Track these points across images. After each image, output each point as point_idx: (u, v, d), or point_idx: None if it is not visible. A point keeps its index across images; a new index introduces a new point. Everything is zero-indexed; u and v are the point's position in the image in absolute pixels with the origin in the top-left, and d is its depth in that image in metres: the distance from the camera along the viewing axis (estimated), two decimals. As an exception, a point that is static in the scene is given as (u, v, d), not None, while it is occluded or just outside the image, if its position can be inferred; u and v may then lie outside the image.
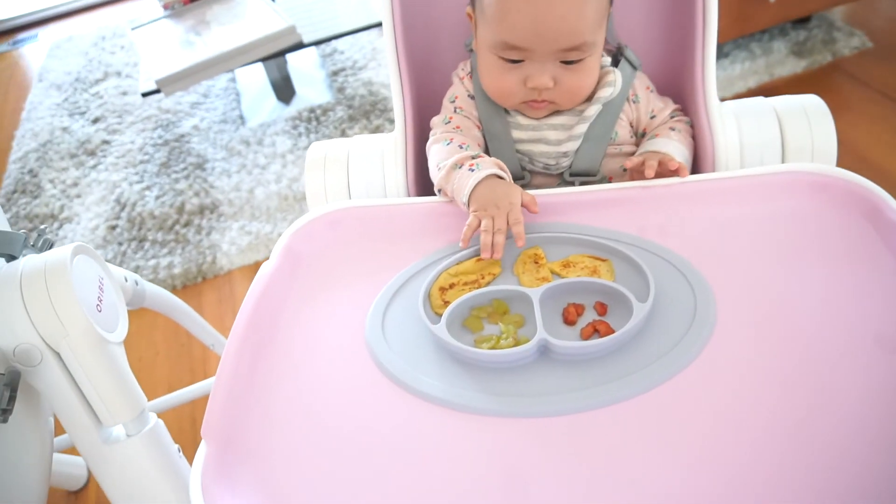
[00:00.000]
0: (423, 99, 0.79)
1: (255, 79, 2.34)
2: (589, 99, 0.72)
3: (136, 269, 1.66)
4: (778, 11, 1.69)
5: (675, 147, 0.70)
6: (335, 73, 2.20)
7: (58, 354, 0.62)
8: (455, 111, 0.76)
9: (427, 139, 0.75)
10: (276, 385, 0.54)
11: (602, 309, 0.55)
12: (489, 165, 0.66)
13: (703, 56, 0.71)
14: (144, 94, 1.75)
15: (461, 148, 0.70)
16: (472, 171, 0.65)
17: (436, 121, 0.77)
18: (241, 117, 2.19)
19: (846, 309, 0.52)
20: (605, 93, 0.71)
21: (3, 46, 2.96)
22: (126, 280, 0.81)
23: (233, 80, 2.39)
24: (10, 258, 0.65)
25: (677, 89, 0.76)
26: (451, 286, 0.59)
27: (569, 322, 0.55)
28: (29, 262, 0.63)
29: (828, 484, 0.41)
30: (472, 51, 0.77)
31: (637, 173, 0.68)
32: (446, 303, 0.57)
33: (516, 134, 0.74)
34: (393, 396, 0.51)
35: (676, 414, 0.47)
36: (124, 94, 2.44)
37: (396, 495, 0.45)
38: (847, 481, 0.41)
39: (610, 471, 0.44)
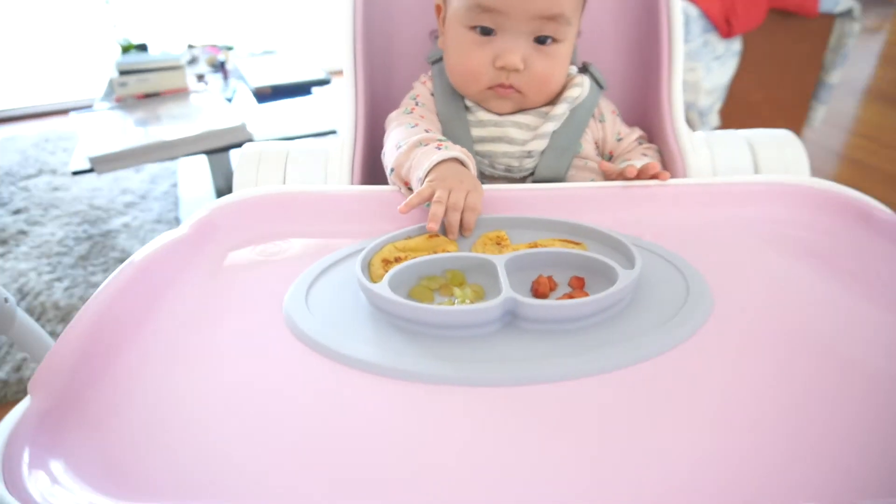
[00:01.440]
0: (375, 112, 0.73)
1: (198, 186, 2.28)
2: (554, 102, 0.68)
3: (24, 361, 1.45)
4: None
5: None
6: (283, 183, 2.17)
7: None
8: (417, 104, 0.71)
9: (377, 148, 0.68)
10: (157, 357, 0.40)
11: (579, 283, 0.45)
12: (457, 150, 0.59)
13: (670, 85, 0.69)
14: (75, 173, 1.65)
15: (427, 132, 0.63)
16: (440, 149, 0.58)
17: (394, 114, 0.70)
18: (177, 219, 2.10)
19: (847, 306, 0.44)
20: (574, 92, 0.67)
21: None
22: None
23: (174, 185, 2.32)
24: None
25: (645, 118, 0.74)
26: (397, 259, 0.48)
27: (540, 295, 0.44)
28: None
29: (817, 474, 0.31)
30: (433, 63, 0.73)
31: (616, 177, 0.62)
32: (389, 275, 0.46)
33: (477, 132, 0.68)
34: (312, 364, 0.38)
35: (665, 391, 0.36)
36: (55, 189, 2.32)
37: (321, 471, 0.31)
38: (837, 474, 0.31)
39: (585, 448, 0.32)
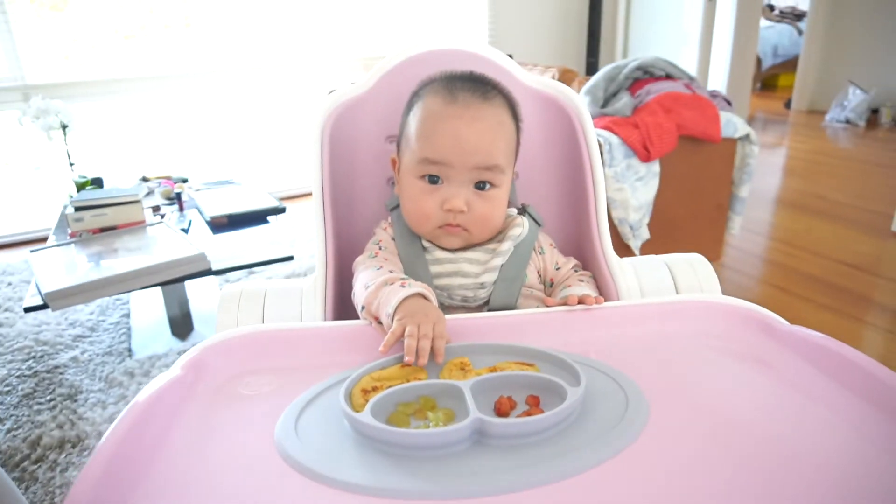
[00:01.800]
0: (341, 254, 0.82)
1: (150, 315, 2.28)
2: (500, 240, 0.78)
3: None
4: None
5: (589, 291, 0.75)
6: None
7: None
8: (380, 248, 0.80)
9: (346, 284, 0.76)
10: (161, 493, 0.44)
11: (534, 401, 0.52)
12: (419, 287, 0.67)
13: (598, 220, 0.81)
14: (27, 310, 1.64)
15: (391, 273, 0.72)
16: (403, 287, 0.66)
17: (360, 259, 0.79)
18: (129, 350, 2.08)
19: (761, 403, 0.53)
20: (516, 232, 0.78)
21: None
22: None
23: (126, 315, 2.31)
24: None
25: (580, 249, 0.85)
26: (374, 389, 0.54)
27: (502, 413, 0.51)
28: None
29: None
30: (392, 209, 0.83)
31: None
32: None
33: (434, 269, 0.77)
34: (306, 489, 0.43)
35: (614, 494, 0.42)
36: (-1, 326, 2.27)
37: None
38: None
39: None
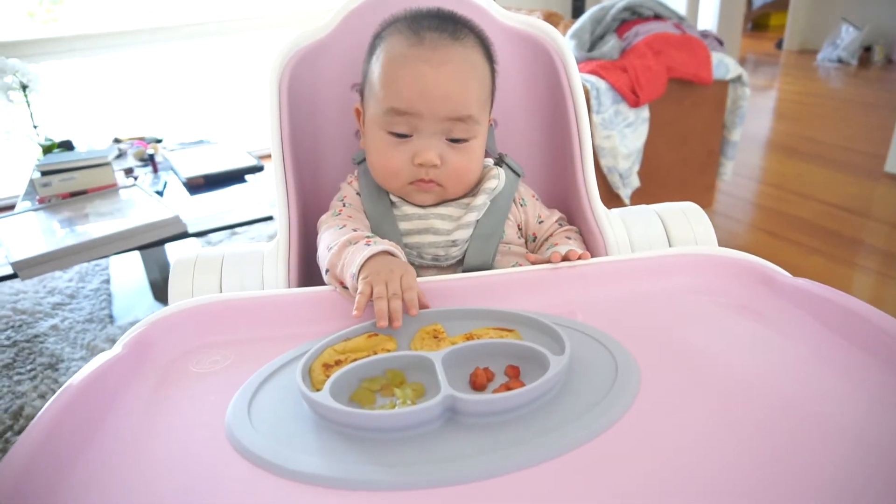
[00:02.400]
0: (306, 211, 0.75)
1: (131, 280, 2.22)
2: (475, 194, 0.72)
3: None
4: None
5: (576, 247, 0.70)
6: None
7: None
8: (345, 205, 0.74)
9: (312, 247, 0.70)
10: (91, 484, 0.39)
11: (514, 372, 0.47)
12: (385, 244, 0.62)
13: (583, 169, 0.74)
14: (-5, 280, 1.58)
15: (355, 231, 0.66)
16: (368, 245, 0.60)
17: (324, 217, 0.73)
18: (111, 316, 2.03)
19: (765, 366, 0.48)
20: (491, 184, 0.72)
21: None
22: None
23: (106, 281, 2.25)
24: None
25: (565, 201, 0.79)
26: (338, 363, 0.49)
27: (478, 387, 0.46)
28: None
29: None
30: (359, 163, 0.77)
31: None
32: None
33: (403, 225, 0.72)
34: (257, 481, 0.38)
35: (603, 475, 0.38)
36: (-26, 297, 2.21)
37: None
38: None
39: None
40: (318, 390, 0.45)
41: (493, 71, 0.72)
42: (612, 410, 0.42)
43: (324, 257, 0.64)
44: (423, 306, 0.56)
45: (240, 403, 0.45)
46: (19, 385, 1.69)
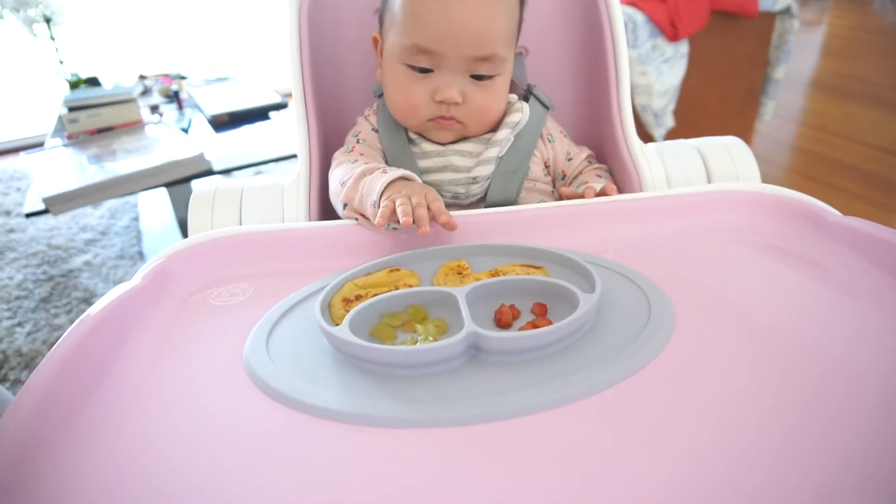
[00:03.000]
0: (328, 143, 0.73)
1: (159, 217, 2.24)
2: (496, 129, 0.69)
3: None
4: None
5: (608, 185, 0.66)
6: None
7: None
8: (358, 142, 0.71)
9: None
10: (109, 415, 0.38)
11: (541, 310, 0.45)
12: (403, 171, 0.59)
13: (619, 100, 0.70)
14: (28, 215, 1.60)
15: (367, 164, 0.63)
16: (385, 173, 0.58)
17: (338, 152, 0.70)
18: (141, 253, 2.06)
19: (810, 310, 0.45)
20: (514, 118, 0.68)
21: None
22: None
23: (136, 218, 2.28)
24: None
25: (596, 134, 0.75)
26: (357, 297, 0.47)
27: (503, 324, 0.44)
28: None
29: (807, 480, 0.31)
30: (379, 96, 0.73)
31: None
32: (350, 314, 0.45)
33: (422, 163, 0.69)
34: (275, 415, 0.38)
35: (632, 418, 0.36)
36: (10, 231, 2.26)
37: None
38: (826, 476, 0.31)
39: (561, 482, 0.32)
40: (337, 325, 0.44)
41: (521, 2, 0.67)
42: (643, 352, 0.40)
43: (338, 192, 0.62)
44: (451, 227, 0.54)
45: (258, 337, 0.44)
46: (56, 318, 1.74)
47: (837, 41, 3.76)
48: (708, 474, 0.31)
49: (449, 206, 0.69)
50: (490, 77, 0.65)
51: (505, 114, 0.70)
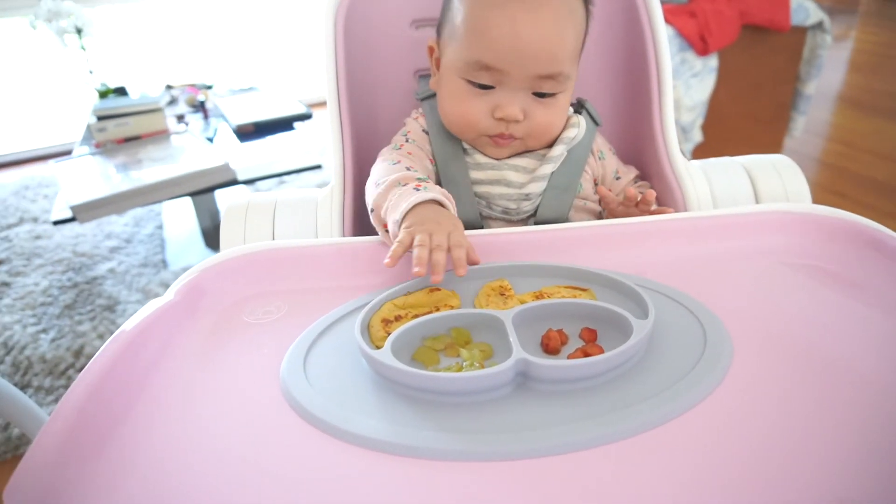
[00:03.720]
0: (361, 156, 0.71)
1: (183, 226, 2.25)
2: (552, 144, 0.66)
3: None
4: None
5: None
6: (269, 220, 2.15)
7: None
8: (407, 140, 0.68)
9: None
10: (149, 439, 0.37)
11: (591, 335, 0.43)
12: (437, 192, 0.56)
13: (662, 116, 0.68)
14: (56, 223, 1.61)
15: (408, 170, 0.61)
16: (418, 190, 0.55)
17: (385, 149, 0.68)
18: (164, 262, 2.07)
19: (873, 343, 0.43)
20: (570, 133, 0.66)
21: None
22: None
23: (160, 227, 2.29)
24: None
25: (638, 151, 0.73)
26: (398, 318, 0.46)
27: (551, 350, 0.42)
28: None
29: None
30: (423, 100, 0.72)
31: (612, 205, 0.62)
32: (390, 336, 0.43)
33: (474, 175, 0.66)
34: (313, 441, 0.36)
35: (686, 457, 0.34)
36: (37, 237, 2.28)
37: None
38: None
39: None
40: (377, 347, 0.42)
41: (588, 13, 0.64)
42: (701, 384, 0.38)
43: (370, 194, 0.60)
44: (472, 262, 0.51)
45: (295, 358, 0.43)
46: (80, 325, 1.75)
47: (865, 56, 3.70)
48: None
49: (497, 220, 0.67)
50: (553, 94, 0.62)
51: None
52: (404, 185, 0.57)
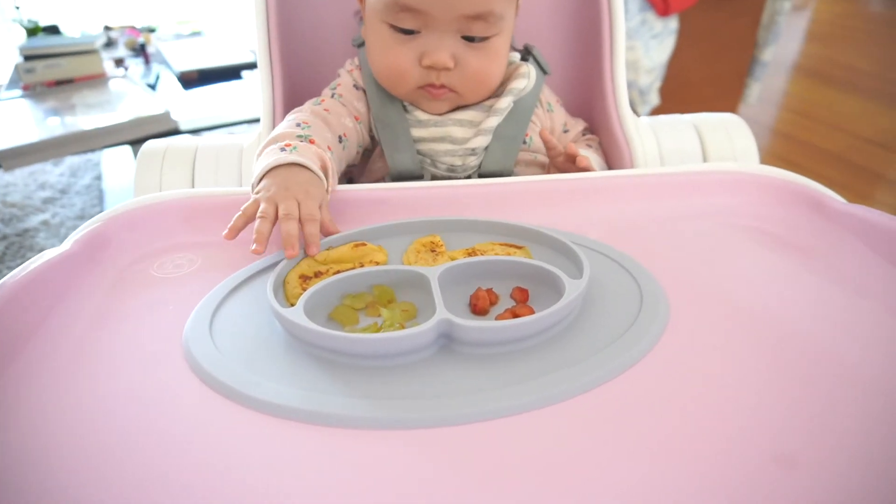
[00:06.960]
0: (297, 102, 0.66)
1: (124, 177, 2.14)
2: (499, 94, 0.62)
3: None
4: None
5: (594, 158, 0.61)
6: (215, 172, 2.06)
7: None
8: (333, 95, 0.64)
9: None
10: (30, 396, 0.33)
11: (522, 296, 0.41)
12: (308, 156, 0.50)
13: (613, 71, 0.65)
14: (-22, 170, 1.50)
15: (298, 126, 0.55)
16: (283, 151, 0.50)
17: (307, 102, 0.63)
18: (102, 214, 1.96)
19: (810, 301, 0.41)
20: (520, 84, 0.61)
21: None
22: None
23: (98, 177, 2.17)
24: None
25: (587, 106, 0.69)
26: (317, 275, 0.42)
27: (479, 310, 0.39)
28: None
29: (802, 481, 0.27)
30: (360, 46, 0.67)
31: (555, 151, 0.59)
32: (308, 293, 0.40)
33: (416, 132, 0.62)
34: (216, 408, 0.32)
35: (623, 421, 0.32)
36: (-37, 187, 2.14)
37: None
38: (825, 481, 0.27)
39: (541, 490, 0.28)
40: (292, 305, 0.39)
41: None
42: (634, 347, 0.36)
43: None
44: (329, 233, 0.46)
45: (201, 317, 0.39)
46: (8, 279, 1.65)
47: (823, 27, 3.73)
48: (703, 479, 0.27)
49: (443, 178, 0.63)
50: (485, 38, 0.57)
51: (508, 78, 0.63)
52: (276, 143, 0.52)
